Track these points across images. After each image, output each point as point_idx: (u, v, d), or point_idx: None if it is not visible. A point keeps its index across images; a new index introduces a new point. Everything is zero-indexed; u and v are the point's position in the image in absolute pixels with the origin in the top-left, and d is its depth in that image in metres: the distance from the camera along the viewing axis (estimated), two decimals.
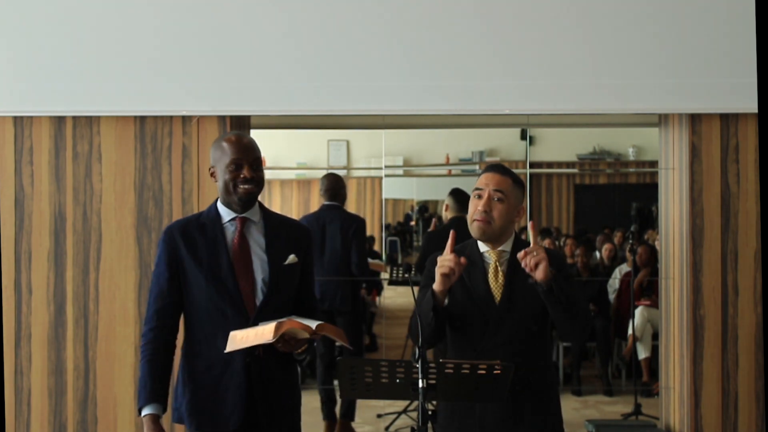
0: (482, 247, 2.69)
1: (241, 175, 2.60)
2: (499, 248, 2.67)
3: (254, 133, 4.26)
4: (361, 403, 5.08)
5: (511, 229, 2.68)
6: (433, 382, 2.33)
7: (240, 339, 2.47)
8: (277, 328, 2.41)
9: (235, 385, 2.59)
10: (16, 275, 3.89)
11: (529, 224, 2.58)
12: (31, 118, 3.90)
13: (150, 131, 3.89)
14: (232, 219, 2.66)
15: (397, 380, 2.36)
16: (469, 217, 2.67)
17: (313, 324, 2.48)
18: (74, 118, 3.90)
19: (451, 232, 2.58)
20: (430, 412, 2.31)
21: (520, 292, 2.61)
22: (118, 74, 3.80)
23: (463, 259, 2.51)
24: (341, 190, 5.13)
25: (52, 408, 3.89)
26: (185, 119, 3.89)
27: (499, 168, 2.68)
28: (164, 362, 2.62)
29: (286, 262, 2.66)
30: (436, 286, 2.52)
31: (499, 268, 2.65)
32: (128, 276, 3.87)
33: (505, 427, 2.60)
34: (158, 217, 3.88)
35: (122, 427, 3.87)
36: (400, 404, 5.23)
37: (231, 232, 2.66)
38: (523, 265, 2.48)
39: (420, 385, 2.29)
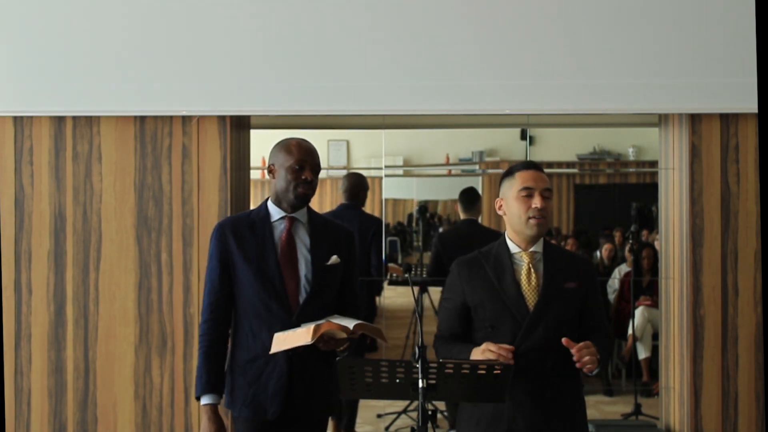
0: (513, 248, 2.67)
1: (302, 177, 2.73)
2: (531, 249, 2.65)
3: (254, 133, 4.27)
4: (361, 403, 5.07)
5: None
6: (433, 382, 2.33)
7: (282, 340, 2.59)
8: (315, 331, 2.51)
9: (277, 376, 2.71)
10: (16, 275, 3.88)
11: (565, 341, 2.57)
12: (31, 118, 3.90)
13: (150, 131, 3.89)
14: (281, 218, 2.79)
15: (397, 380, 2.36)
16: (518, 216, 2.64)
17: (351, 324, 2.56)
18: (74, 118, 3.90)
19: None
20: (430, 412, 2.31)
21: (555, 297, 2.60)
22: (118, 74, 3.80)
23: (510, 353, 2.51)
24: (362, 191, 5.06)
25: (52, 408, 3.88)
26: (185, 119, 3.89)
27: (537, 165, 2.70)
28: (219, 353, 2.77)
29: (329, 263, 2.77)
30: (477, 356, 2.54)
31: (532, 271, 2.63)
32: (128, 276, 3.87)
33: (533, 422, 2.59)
34: (158, 217, 3.88)
35: (122, 427, 3.87)
36: (400, 404, 5.23)
37: (279, 230, 2.78)
38: (576, 357, 2.47)
39: (420, 385, 2.29)
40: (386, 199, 6.01)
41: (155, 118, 3.88)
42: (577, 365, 2.49)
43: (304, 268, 2.75)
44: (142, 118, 3.89)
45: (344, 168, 6.09)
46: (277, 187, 2.78)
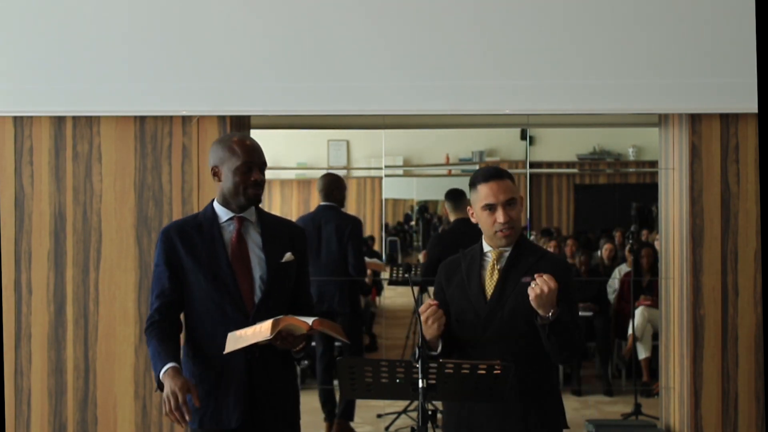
0: (486, 247, 2.72)
1: (252, 178, 2.64)
2: (501, 248, 2.69)
3: (254, 133, 4.26)
4: (361, 403, 5.07)
5: None
6: (433, 382, 2.34)
7: (237, 338, 2.49)
8: (274, 325, 2.43)
9: (236, 383, 2.61)
10: (16, 275, 3.89)
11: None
12: (31, 118, 3.90)
13: (150, 131, 3.89)
14: (230, 219, 2.69)
15: (397, 380, 2.36)
16: (485, 228, 2.67)
17: (309, 320, 2.51)
18: (74, 118, 3.90)
19: None
20: (430, 412, 2.31)
21: (511, 291, 2.63)
22: (118, 74, 3.80)
23: (434, 304, 2.55)
24: (335, 191, 5.02)
25: (52, 408, 3.89)
26: (185, 119, 3.89)
27: (497, 173, 2.66)
28: (171, 337, 2.61)
29: (283, 260, 2.69)
30: (426, 333, 2.57)
31: (495, 266, 2.67)
32: (128, 276, 3.87)
33: (491, 424, 2.62)
34: (158, 217, 3.88)
35: (122, 427, 3.87)
36: (400, 404, 5.22)
37: (228, 231, 2.69)
38: (529, 288, 2.45)
39: (420, 385, 2.29)
40: (386, 199, 6.01)
41: (155, 118, 3.88)
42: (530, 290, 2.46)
43: (258, 268, 2.66)
44: (142, 118, 3.89)
45: (344, 168, 6.09)
46: (225, 189, 2.66)
